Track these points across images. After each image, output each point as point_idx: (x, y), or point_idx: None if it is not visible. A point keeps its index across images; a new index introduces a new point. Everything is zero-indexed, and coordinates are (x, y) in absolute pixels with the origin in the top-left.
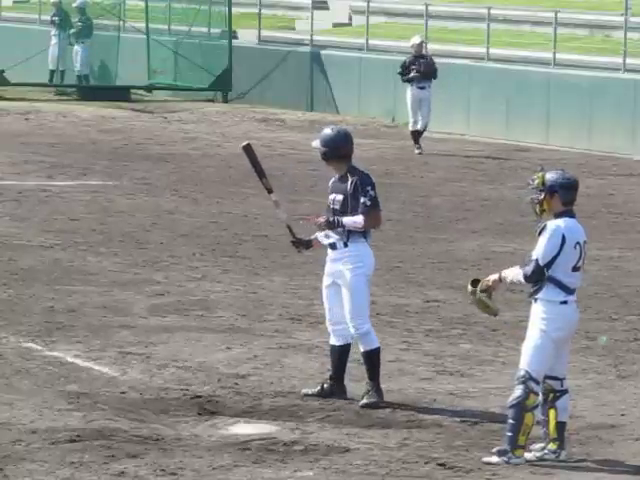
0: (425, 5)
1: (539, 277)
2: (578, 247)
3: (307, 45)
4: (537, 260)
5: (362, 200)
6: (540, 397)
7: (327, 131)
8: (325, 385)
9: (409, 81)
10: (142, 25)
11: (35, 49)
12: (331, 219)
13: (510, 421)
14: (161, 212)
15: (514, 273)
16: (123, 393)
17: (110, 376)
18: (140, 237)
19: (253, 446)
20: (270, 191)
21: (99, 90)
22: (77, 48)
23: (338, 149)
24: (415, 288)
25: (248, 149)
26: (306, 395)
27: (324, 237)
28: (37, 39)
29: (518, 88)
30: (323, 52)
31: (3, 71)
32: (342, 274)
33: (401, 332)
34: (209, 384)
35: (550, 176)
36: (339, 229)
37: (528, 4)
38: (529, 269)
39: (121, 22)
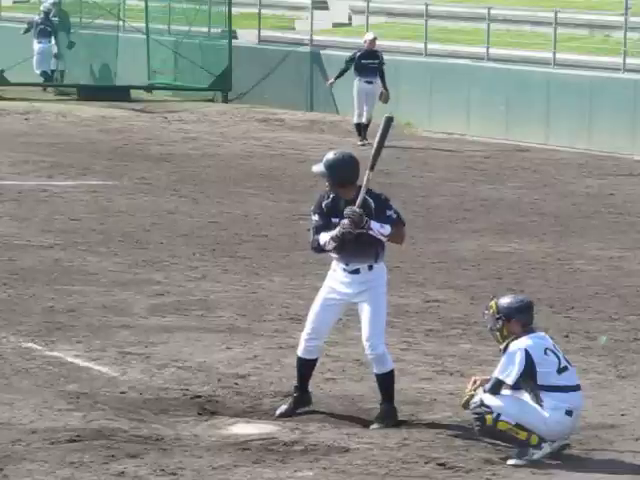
0: (425, 5)
1: (497, 392)
2: (550, 352)
3: (307, 45)
4: (497, 377)
5: (388, 213)
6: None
7: (330, 156)
8: (294, 396)
9: (338, 77)
10: (142, 25)
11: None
12: (362, 217)
13: (500, 441)
14: (161, 212)
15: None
16: (123, 393)
17: (110, 376)
18: (140, 237)
19: (253, 446)
20: None
21: (99, 90)
22: (41, 47)
23: (344, 174)
24: (415, 288)
25: None
26: (281, 415)
27: (343, 264)
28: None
29: (518, 88)
30: (323, 52)
31: (3, 71)
32: (365, 294)
33: (401, 332)
34: (209, 384)
35: (503, 302)
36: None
37: (528, 4)
38: (488, 385)
39: (121, 22)
